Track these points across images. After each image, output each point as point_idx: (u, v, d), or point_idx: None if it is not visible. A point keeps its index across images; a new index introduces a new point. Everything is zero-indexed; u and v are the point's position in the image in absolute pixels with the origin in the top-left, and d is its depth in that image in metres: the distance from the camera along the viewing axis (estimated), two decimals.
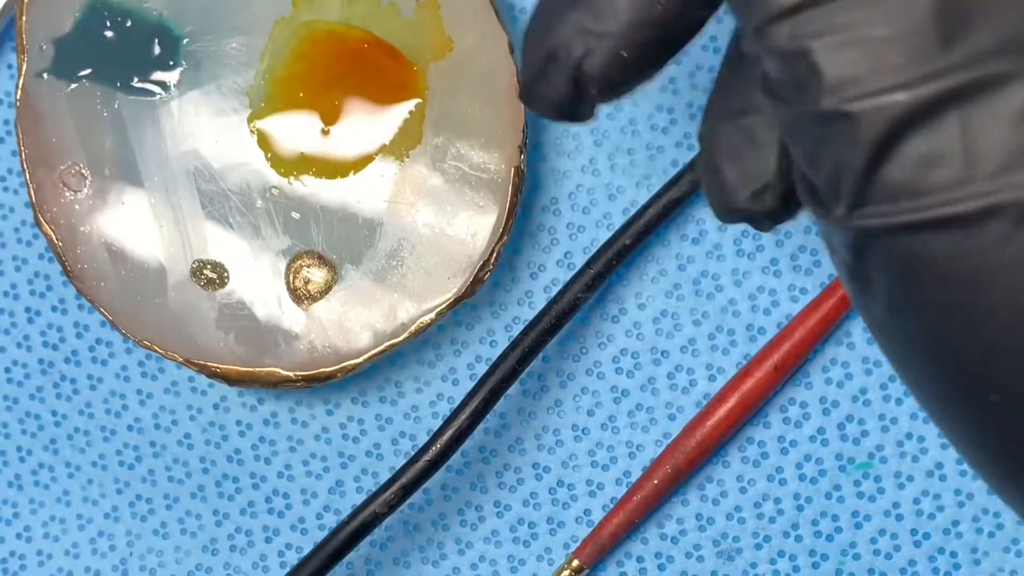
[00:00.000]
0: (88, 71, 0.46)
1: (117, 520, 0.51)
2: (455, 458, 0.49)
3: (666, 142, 0.46)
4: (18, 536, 0.52)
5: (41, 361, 0.50)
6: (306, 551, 0.50)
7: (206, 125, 0.46)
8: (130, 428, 0.50)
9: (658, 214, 0.46)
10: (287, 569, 0.50)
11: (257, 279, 0.47)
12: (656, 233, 0.47)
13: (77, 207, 0.47)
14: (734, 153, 0.32)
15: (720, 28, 0.45)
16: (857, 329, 0.47)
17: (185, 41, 0.46)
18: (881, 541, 0.48)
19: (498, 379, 0.46)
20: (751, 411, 0.47)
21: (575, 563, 0.48)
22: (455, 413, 0.46)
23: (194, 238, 0.47)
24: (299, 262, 0.47)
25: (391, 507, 0.46)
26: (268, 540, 0.50)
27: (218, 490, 0.50)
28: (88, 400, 0.50)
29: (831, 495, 0.48)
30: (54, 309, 0.50)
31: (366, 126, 0.46)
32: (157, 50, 0.46)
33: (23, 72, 0.46)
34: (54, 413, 0.51)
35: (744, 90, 0.32)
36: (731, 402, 0.47)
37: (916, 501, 0.48)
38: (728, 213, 0.33)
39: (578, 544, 0.49)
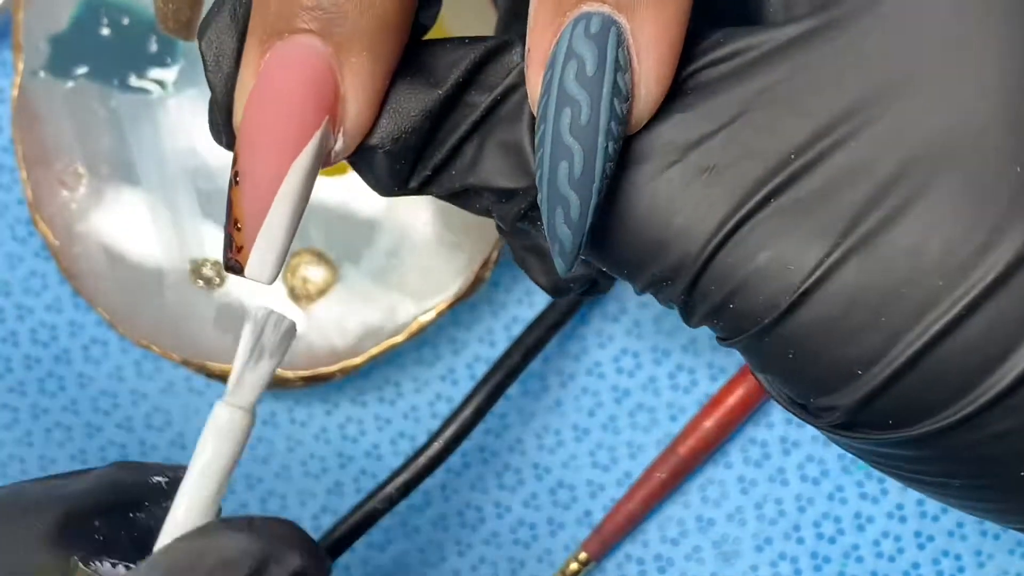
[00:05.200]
0: (85, 69, 0.47)
1: None
2: (455, 459, 0.50)
3: None
4: None
5: (27, 357, 0.51)
6: None
7: (204, 123, 0.46)
8: (119, 426, 0.51)
9: None
10: None
11: None
12: None
13: (74, 206, 0.48)
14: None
15: None
16: None
17: None
18: (884, 543, 0.49)
19: (502, 375, 0.47)
20: (762, 398, 0.49)
21: (582, 555, 0.49)
22: (458, 410, 0.48)
23: (192, 237, 0.48)
24: (298, 260, 0.48)
25: (392, 503, 0.47)
26: None
27: None
28: (74, 398, 0.51)
29: (834, 496, 0.49)
30: (48, 308, 0.51)
31: None
32: (154, 47, 0.47)
33: (20, 70, 0.47)
34: (33, 407, 0.51)
35: None
36: (742, 388, 0.49)
37: (920, 503, 0.49)
38: (561, 289, 0.35)
39: (584, 540, 0.50)
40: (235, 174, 0.30)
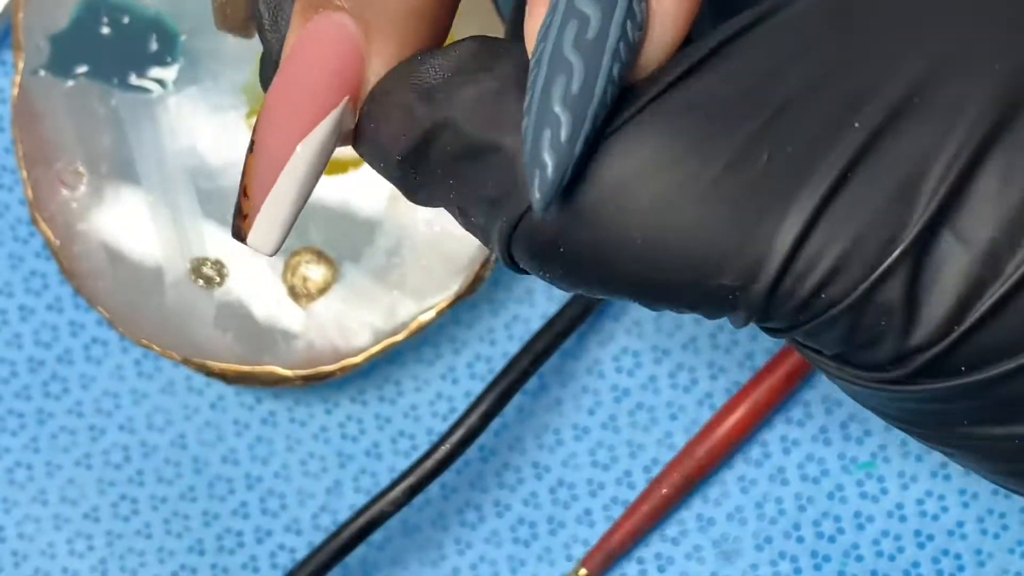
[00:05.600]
0: (85, 68, 0.48)
1: (97, 520, 0.51)
2: None
3: None
4: None
5: (31, 359, 0.51)
6: (300, 552, 0.51)
7: (204, 122, 0.48)
8: (121, 428, 0.51)
9: None
10: (279, 570, 0.51)
11: (256, 277, 0.48)
12: None
13: (74, 205, 0.48)
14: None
15: None
16: None
17: (183, 37, 0.47)
18: (884, 543, 0.49)
19: (510, 381, 0.47)
20: (762, 417, 0.49)
21: (583, 572, 0.49)
22: (466, 413, 0.48)
23: (192, 236, 0.48)
24: (298, 259, 0.48)
25: (398, 506, 0.47)
26: (260, 541, 0.51)
27: (209, 491, 0.51)
28: (78, 399, 0.51)
29: (834, 495, 0.49)
30: (49, 308, 0.51)
31: None
32: (155, 46, 0.48)
33: (20, 69, 0.47)
34: (39, 411, 0.51)
35: None
36: (743, 408, 0.48)
37: (920, 502, 0.49)
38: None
39: (579, 546, 0.50)
40: (252, 142, 0.30)
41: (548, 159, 0.26)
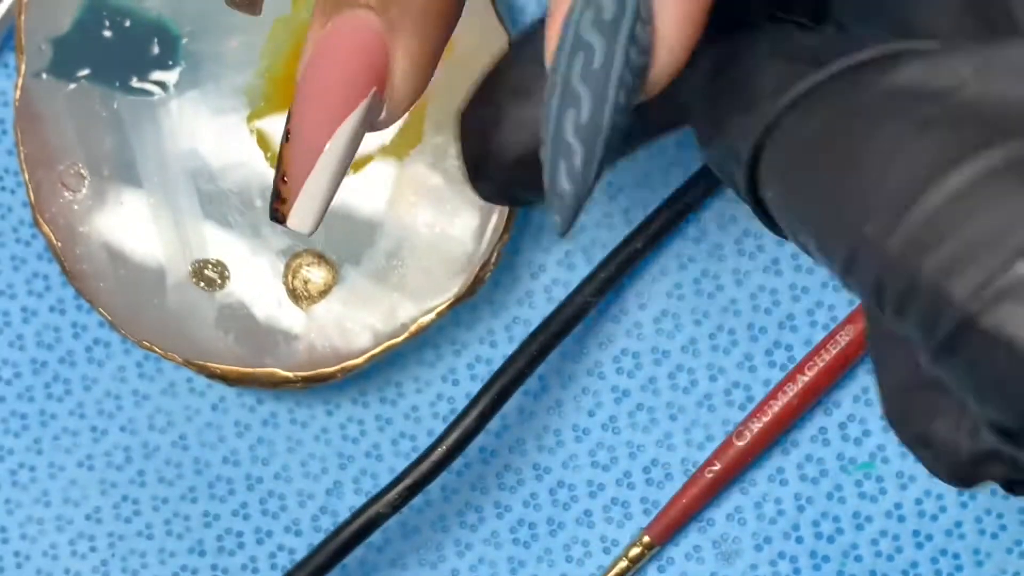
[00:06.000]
0: (87, 71, 0.48)
1: (99, 521, 0.52)
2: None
3: (667, 141, 0.47)
4: None
5: (34, 361, 0.51)
6: (299, 553, 0.51)
7: (205, 125, 0.48)
8: (123, 429, 0.51)
9: (671, 219, 0.48)
10: (278, 571, 0.51)
11: (257, 279, 0.48)
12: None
13: (76, 207, 0.48)
14: (934, 410, 0.29)
15: None
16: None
17: (184, 40, 0.47)
18: (883, 542, 0.49)
19: (506, 381, 0.47)
20: (834, 377, 0.48)
21: (645, 539, 0.49)
22: (463, 414, 0.48)
23: (193, 238, 0.48)
24: (298, 262, 0.48)
25: (395, 508, 0.47)
26: (260, 542, 0.51)
27: (210, 492, 0.51)
28: (80, 401, 0.51)
29: (832, 496, 0.49)
30: (51, 310, 0.51)
31: None
32: (156, 49, 0.48)
33: (22, 72, 0.47)
34: (42, 413, 0.51)
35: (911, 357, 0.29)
36: (810, 373, 0.48)
37: (918, 502, 0.49)
38: (963, 475, 0.30)
39: (579, 546, 0.50)
40: (287, 131, 0.32)
41: (565, 189, 0.28)
